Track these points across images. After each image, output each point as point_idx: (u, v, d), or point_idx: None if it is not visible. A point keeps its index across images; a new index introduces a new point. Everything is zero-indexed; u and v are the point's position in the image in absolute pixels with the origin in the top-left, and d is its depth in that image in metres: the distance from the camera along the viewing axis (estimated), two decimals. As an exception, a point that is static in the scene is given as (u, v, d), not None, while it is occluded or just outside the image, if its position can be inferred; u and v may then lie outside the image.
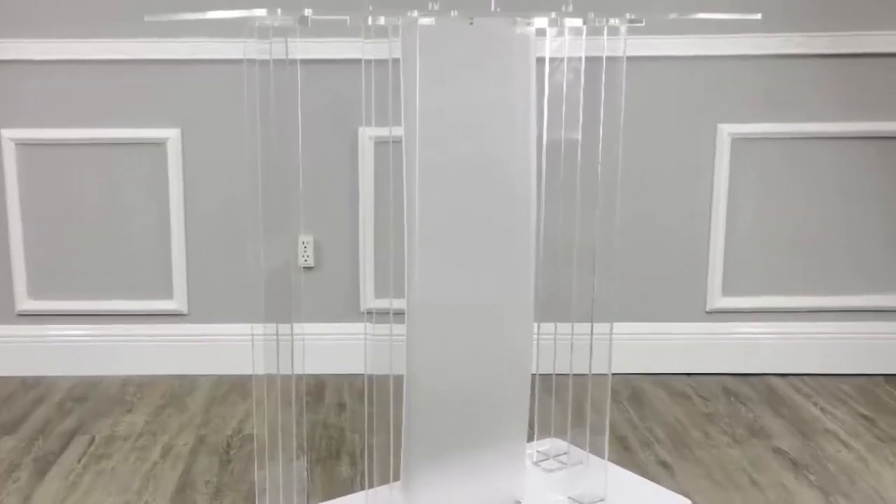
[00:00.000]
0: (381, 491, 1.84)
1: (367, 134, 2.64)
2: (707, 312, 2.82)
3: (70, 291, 2.79)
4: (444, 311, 1.79)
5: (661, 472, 2.19)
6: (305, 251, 2.74)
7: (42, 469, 2.21)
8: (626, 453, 2.28)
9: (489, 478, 1.91)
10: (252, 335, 1.89)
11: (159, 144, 2.72)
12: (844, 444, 2.33)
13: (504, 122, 1.81)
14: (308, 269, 2.76)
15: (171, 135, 2.71)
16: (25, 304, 2.78)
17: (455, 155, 1.75)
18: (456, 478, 1.85)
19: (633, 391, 2.67)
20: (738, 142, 2.72)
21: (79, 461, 2.25)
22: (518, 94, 1.82)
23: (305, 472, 2.09)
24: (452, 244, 1.77)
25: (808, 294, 2.80)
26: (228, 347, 2.76)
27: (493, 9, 1.94)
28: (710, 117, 2.72)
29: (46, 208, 2.74)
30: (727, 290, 2.80)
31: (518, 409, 1.93)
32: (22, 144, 2.70)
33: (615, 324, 1.93)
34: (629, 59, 1.88)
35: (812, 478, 2.16)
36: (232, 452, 2.30)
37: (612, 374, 1.96)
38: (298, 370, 1.90)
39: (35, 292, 2.78)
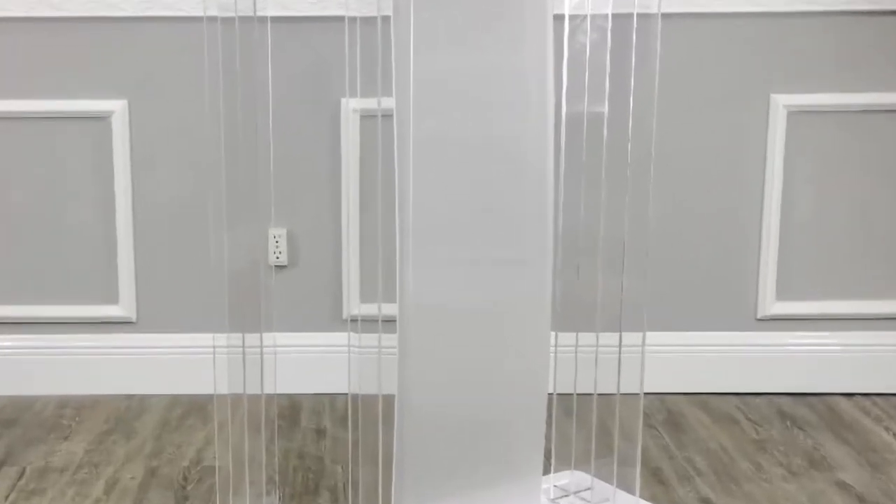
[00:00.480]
0: (368, 534, 1.86)
1: (352, 106, 2.64)
2: (758, 320, 2.86)
3: (-5, 295, 2.86)
4: (443, 318, 1.81)
5: (702, 510, 2.23)
6: (277, 246, 2.76)
7: (-39, 508, 2.25)
8: (660, 488, 2.30)
9: (497, 519, 1.95)
10: (214, 347, 1.92)
11: (102, 119, 2.74)
12: (922, 477, 2.36)
13: (515, 91, 1.83)
14: (280, 267, 2.78)
15: (117, 107, 2.73)
16: None
17: (456, 131, 1.77)
18: (457, 519, 1.89)
19: (669, 414, 2.70)
20: (796, 115, 2.75)
21: (5, 498, 2.29)
22: (532, 58, 1.83)
23: (277, 512, 2.11)
24: (453, 238, 1.79)
25: (878, 298, 2.84)
26: (184, 362, 2.80)
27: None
28: (763, 87, 2.75)
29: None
30: (782, 294, 2.83)
31: (532, 435, 1.96)
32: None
33: (648, 333, 1.95)
34: (664, 16, 1.89)
35: (883, 518, 2.19)
36: (189, 487, 2.32)
37: (645, 393, 1.98)
38: (269, 389, 1.94)
39: None
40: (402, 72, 1.69)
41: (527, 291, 1.88)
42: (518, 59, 1.81)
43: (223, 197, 1.85)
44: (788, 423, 2.64)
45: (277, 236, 2.78)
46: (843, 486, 2.30)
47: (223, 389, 1.95)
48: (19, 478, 2.35)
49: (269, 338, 2.04)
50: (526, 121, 1.84)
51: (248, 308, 2.03)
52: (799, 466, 2.39)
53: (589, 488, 2.09)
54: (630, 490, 1.99)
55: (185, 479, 2.35)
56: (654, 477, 2.34)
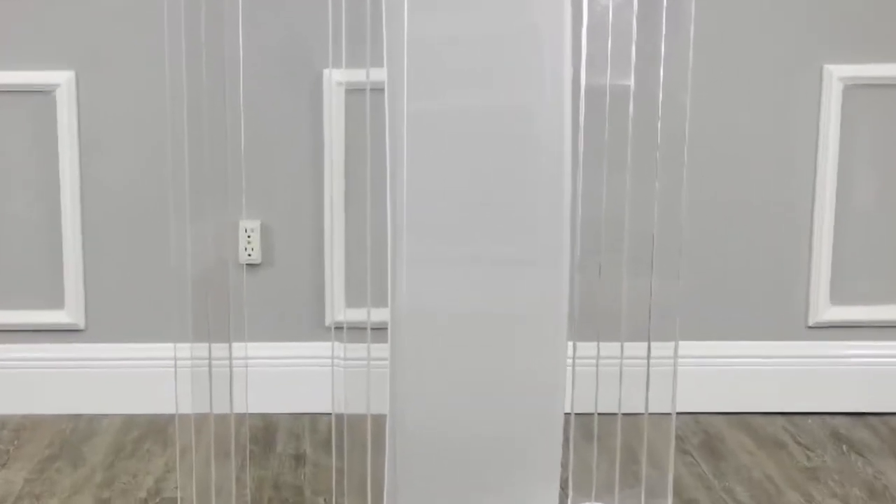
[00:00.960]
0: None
1: (335, 79, 2.70)
2: (809, 328, 2.92)
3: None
4: (442, 326, 1.86)
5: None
6: (249, 242, 2.81)
7: None
8: (696, 523, 2.37)
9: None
10: (175, 359, 1.96)
11: (45, 93, 2.80)
12: None
13: (525, 60, 1.86)
14: (253, 266, 2.82)
15: (62, 79, 2.78)
16: None
17: (456, 107, 1.81)
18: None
19: (705, 436, 2.75)
20: (852, 89, 2.81)
21: (-68, 535, 2.35)
22: (545, 21, 1.86)
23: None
24: (454, 233, 1.84)
25: (949, 302, 2.89)
26: (141, 376, 2.85)
27: None
28: (814, 56, 2.80)
29: None
30: (837, 298, 2.89)
31: (546, 461, 2.00)
32: None
33: (681, 343, 1.99)
34: (701, -26, 1.93)
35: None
36: (147, 523, 2.40)
37: (678, 412, 2.03)
38: (240, 408, 1.98)
39: None
40: (393, 37, 1.73)
41: (539, 295, 1.92)
42: (530, 23, 1.85)
43: (186, 184, 1.89)
44: (845, 447, 2.69)
45: (249, 230, 2.83)
46: (907, 521, 2.36)
47: (186, 409, 1.99)
48: (-52, 512, 2.42)
49: (240, 348, 2.08)
50: (539, 95, 1.88)
51: (215, 314, 2.07)
52: (857, 498, 2.44)
53: (612, 523, 2.16)
54: (660, 525, 2.04)
55: (143, 512, 2.43)
56: (689, 510, 2.41)
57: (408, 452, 1.84)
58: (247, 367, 2.21)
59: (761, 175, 2.84)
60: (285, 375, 2.79)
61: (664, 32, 1.94)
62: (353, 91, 2.68)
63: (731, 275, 2.86)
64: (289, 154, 2.80)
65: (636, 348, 2.05)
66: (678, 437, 2.26)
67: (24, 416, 2.84)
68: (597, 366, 2.11)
